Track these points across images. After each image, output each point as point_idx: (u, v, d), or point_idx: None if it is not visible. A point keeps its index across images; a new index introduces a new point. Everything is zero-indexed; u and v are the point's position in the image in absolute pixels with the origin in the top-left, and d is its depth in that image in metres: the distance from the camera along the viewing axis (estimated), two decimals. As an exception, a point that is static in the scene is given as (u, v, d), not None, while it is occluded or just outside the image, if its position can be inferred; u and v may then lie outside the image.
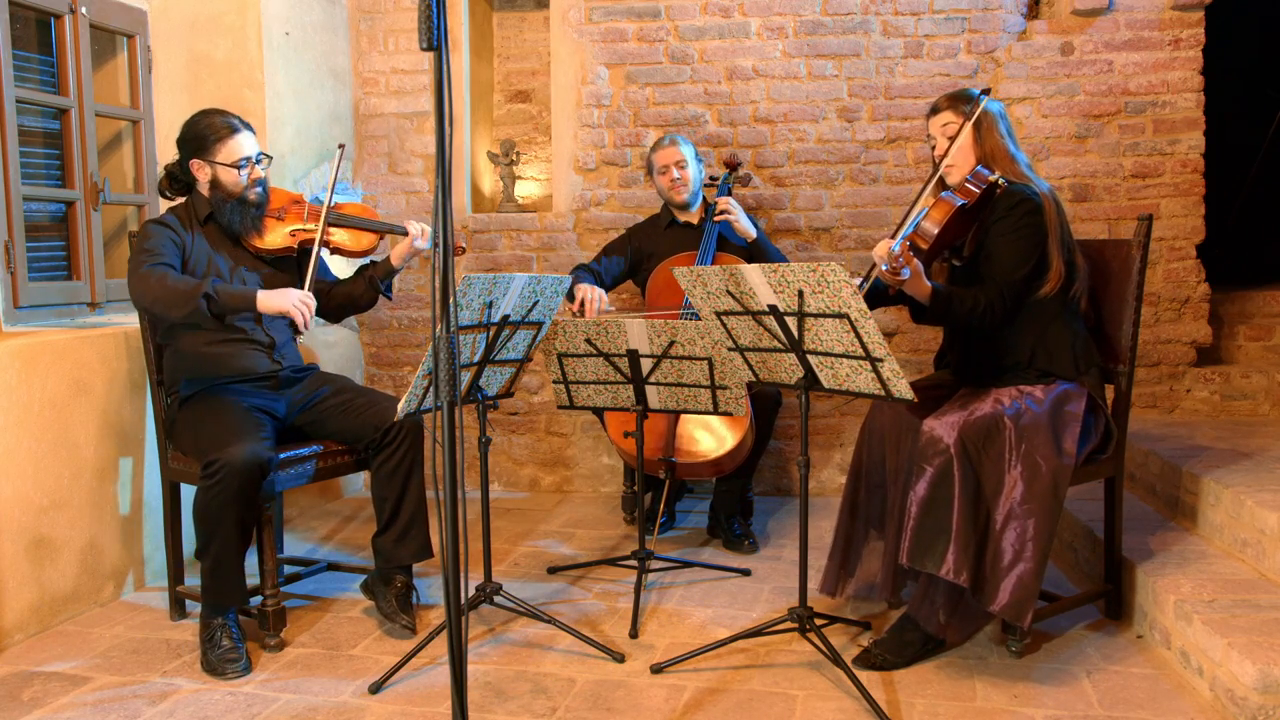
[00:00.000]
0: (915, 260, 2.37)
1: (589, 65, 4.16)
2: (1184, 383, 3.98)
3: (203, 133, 2.76)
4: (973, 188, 2.50)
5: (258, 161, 2.80)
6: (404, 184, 4.35)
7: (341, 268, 3.72)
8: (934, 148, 2.65)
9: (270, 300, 2.63)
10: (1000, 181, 2.50)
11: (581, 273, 3.58)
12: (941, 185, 2.63)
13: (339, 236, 2.94)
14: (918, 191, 2.55)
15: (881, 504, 2.57)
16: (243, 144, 2.78)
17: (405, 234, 2.96)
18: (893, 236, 2.41)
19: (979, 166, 2.55)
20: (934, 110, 2.65)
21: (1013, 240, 2.49)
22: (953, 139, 2.56)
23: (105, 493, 2.96)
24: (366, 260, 3.07)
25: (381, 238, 3.02)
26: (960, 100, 2.60)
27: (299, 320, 2.64)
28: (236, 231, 2.82)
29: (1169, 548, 2.77)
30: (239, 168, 2.76)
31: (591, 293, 3.40)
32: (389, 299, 3.14)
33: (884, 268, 2.32)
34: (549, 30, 4.28)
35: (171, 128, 3.56)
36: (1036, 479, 2.34)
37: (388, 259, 3.01)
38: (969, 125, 2.54)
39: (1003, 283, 2.49)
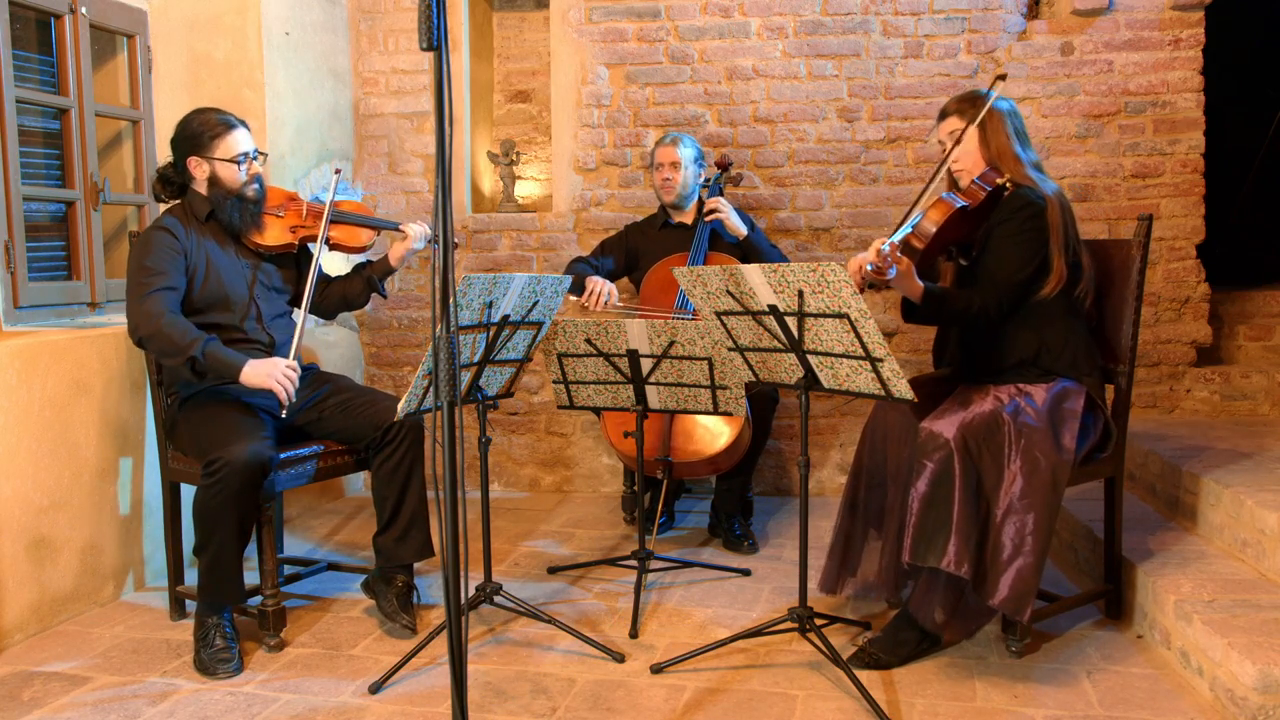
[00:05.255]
0: (905, 259, 2.40)
1: (589, 65, 4.16)
2: (1184, 383, 3.98)
3: (198, 130, 2.76)
4: (979, 190, 2.52)
5: (254, 158, 2.81)
6: (404, 184, 4.35)
7: (338, 264, 3.72)
8: (944, 150, 2.66)
9: (255, 374, 2.57)
10: (1008, 184, 2.52)
11: (582, 265, 3.60)
12: (950, 187, 2.65)
13: (336, 232, 2.95)
14: (919, 192, 2.57)
15: (882, 503, 2.57)
16: (240, 139, 2.78)
17: (402, 233, 2.99)
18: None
19: (988, 169, 2.57)
20: (943, 114, 2.65)
21: (1014, 244, 2.51)
22: (959, 143, 2.58)
23: (105, 493, 2.96)
24: (363, 258, 3.08)
25: (378, 234, 3.03)
26: (968, 103, 2.60)
27: (280, 395, 2.60)
28: (237, 229, 2.82)
29: (1169, 548, 2.77)
30: (238, 163, 2.76)
31: (602, 285, 3.44)
32: (384, 297, 3.17)
33: (869, 267, 2.34)
34: (549, 30, 4.28)
35: (171, 128, 3.56)
36: (1036, 474, 2.35)
37: (385, 258, 3.03)
38: (973, 128, 2.56)
39: (1001, 285, 2.51)
